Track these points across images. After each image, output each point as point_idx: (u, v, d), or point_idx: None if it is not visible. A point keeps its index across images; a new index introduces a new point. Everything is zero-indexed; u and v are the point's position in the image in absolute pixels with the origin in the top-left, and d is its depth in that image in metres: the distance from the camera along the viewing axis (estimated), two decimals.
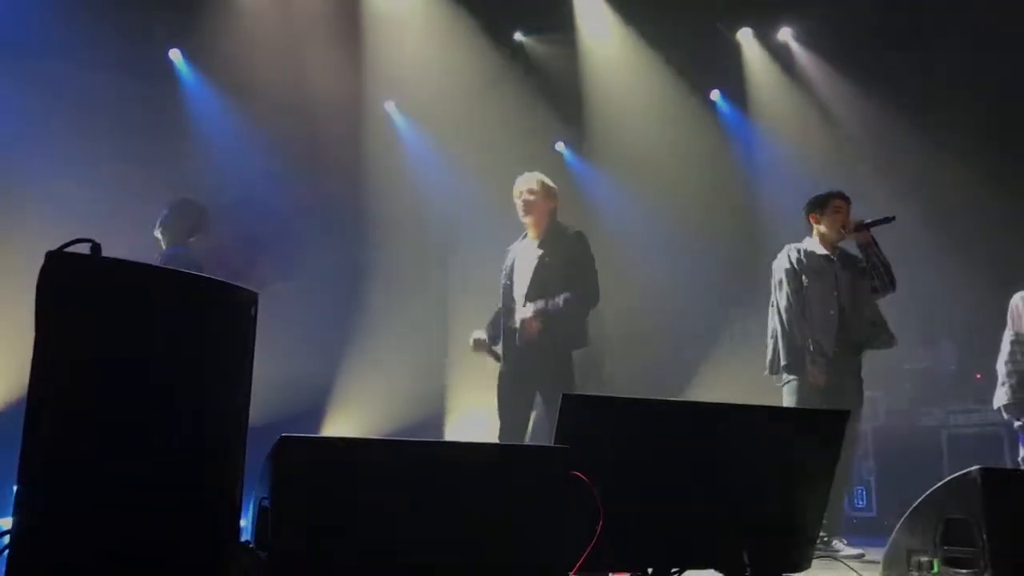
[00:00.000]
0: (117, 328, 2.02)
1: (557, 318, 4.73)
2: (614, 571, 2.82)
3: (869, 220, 5.09)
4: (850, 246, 5.22)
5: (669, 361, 8.12)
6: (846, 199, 5.18)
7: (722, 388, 6.71)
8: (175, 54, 7.60)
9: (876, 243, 5.12)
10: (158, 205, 5.45)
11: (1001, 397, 5.77)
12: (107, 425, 1.96)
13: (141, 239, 5.33)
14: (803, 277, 5.03)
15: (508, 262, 5.05)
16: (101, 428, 1.95)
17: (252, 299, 2.33)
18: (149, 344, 2.07)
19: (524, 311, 4.76)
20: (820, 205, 5.18)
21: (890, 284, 5.13)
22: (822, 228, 5.16)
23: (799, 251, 5.12)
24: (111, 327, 2.01)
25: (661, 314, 8.20)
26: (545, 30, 8.46)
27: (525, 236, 5.07)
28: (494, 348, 4.99)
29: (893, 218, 5.06)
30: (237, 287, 2.31)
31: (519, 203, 4.99)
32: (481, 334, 5.02)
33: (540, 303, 4.75)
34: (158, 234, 5.33)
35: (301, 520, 2.12)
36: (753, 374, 5.48)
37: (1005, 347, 5.83)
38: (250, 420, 2.34)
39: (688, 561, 2.85)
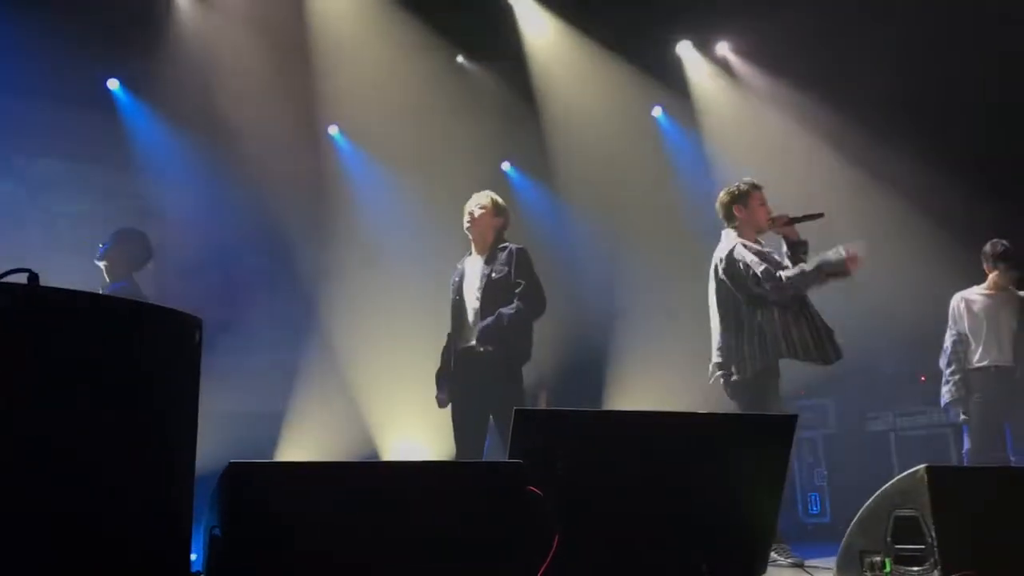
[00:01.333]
0: (56, 358, 1.98)
1: (506, 332, 4.76)
2: None
3: (797, 215, 4.83)
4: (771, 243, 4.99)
5: (611, 375, 8.18)
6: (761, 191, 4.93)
7: (663, 399, 6.77)
8: (113, 83, 7.51)
9: (805, 242, 4.89)
10: (98, 235, 5.36)
11: (945, 395, 5.93)
12: (46, 456, 1.91)
13: (81, 268, 5.24)
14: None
15: (456, 278, 5.09)
16: (40, 460, 1.90)
17: (196, 324, 2.30)
18: (90, 372, 2.03)
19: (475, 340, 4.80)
20: (743, 196, 4.88)
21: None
22: (745, 222, 4.86)
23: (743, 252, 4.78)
24: (50, 357, 1.96)
25: (603, 330, 8.26)
26: (488, 51, 8.51)
27: (471, 253, 5.11)
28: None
29: (822, 214, 4.79)
30: (180, 313, 2.27)
31: (465, 217, 5.04)
32: (441, 394, 5.00)
33: (487, 324, 4.77)
34: (101, 265, 5.23)
35: (252, 548, 2.09)
36: (695, 386, 5.48)
37: (947, 346, 5.99)
38: (201, 451, 2.30)
39: (643, 572, 2.86)
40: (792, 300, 4.70)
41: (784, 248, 4.92)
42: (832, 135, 7.74)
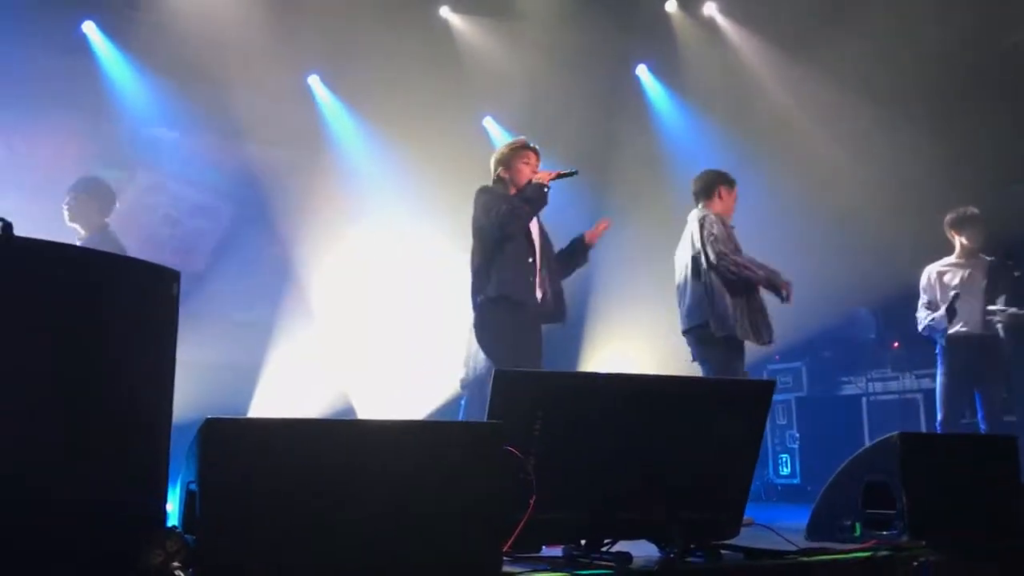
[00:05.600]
0: (33, 312, 1.94)
1: None
2: (547, 544, 2.84)
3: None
4: None
5: (590, 338, 8.20)
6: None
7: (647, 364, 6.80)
8: (89, 26, 7.33)
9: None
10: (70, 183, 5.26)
11: (924, 320, 5.97)
12: (24, 410, 1.89)
13: (55, 217, 5.16)
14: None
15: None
16: (17, 413, 1.88)
17: (173, 278, 2.27)
18: (68, 326, 2.00)
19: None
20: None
21: None
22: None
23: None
24: (27, 311, 1.93)
25: (583, 293, 8.23)
26: (472, 4, 8.38)
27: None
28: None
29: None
30: (158, 266, 2.25)
31: (525, 161, 4.99)
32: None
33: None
34: (69, 218, 5.14)
35: (228, 503, 2.08)
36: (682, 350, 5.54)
37: (919, 316, 6.03)
38: (180, 405, 2.28)
39: (620, 533, 2.88)
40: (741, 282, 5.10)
41: None
42: (818, 99, 7.71)
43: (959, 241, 5.99)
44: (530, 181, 4.87)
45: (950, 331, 5.87)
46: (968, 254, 5.97)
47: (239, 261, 7.58)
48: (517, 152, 4.99)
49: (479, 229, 4.86)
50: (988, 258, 6.00)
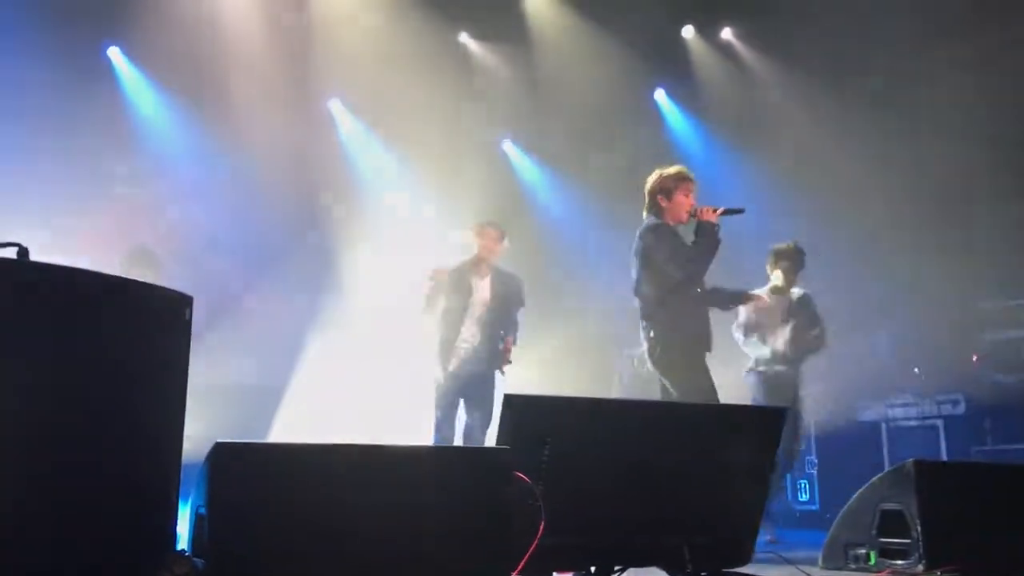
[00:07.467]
0: (44, 334, 1.97)
1: None
2: (557, 570, 2.83)
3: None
4: None
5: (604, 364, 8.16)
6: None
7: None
8: (113, 52, 7.45)
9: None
10: (92, 209, 5.33)
11: None
12: (33, 434, 1.91)
13: (73, 241, 5.22)
14: None
15: None
16: (26, 438, 1.90)
17: (186, 302, 2.29)
18: (77, 349, 2.02)
19: None
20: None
21: None
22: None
23: None
24: (38, 333, 1.96)
25: (594, 319, 8.21)
26: (491, 31, 8.46)
27: None
28: None
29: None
30: (170, 291, 2.27)
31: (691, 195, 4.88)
32: None
33: None
34: None
35: (237, 527, 2.10)
36: None
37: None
38: (204, 427, 2.30)
39: (630, 559, 2.87)
40: None
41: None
42: (834, 124, 7.69)
43: (773, 273, 5.86)
44: (698, 217, 4.69)
45: (751, 368, 5.85)
46: (776, 288, 5.84)
47: (263, 285, 7.60)
48: (680, 183, 4.80)
49: (661, 263, 4.70)
50: (798, 292, 5.86)
